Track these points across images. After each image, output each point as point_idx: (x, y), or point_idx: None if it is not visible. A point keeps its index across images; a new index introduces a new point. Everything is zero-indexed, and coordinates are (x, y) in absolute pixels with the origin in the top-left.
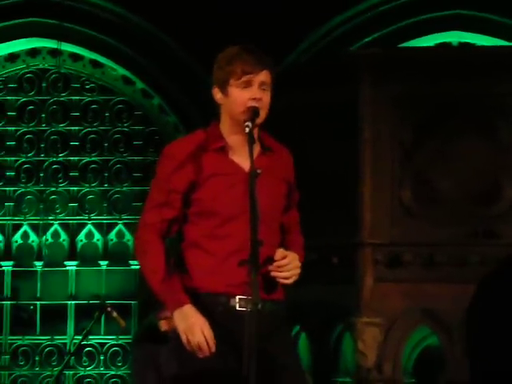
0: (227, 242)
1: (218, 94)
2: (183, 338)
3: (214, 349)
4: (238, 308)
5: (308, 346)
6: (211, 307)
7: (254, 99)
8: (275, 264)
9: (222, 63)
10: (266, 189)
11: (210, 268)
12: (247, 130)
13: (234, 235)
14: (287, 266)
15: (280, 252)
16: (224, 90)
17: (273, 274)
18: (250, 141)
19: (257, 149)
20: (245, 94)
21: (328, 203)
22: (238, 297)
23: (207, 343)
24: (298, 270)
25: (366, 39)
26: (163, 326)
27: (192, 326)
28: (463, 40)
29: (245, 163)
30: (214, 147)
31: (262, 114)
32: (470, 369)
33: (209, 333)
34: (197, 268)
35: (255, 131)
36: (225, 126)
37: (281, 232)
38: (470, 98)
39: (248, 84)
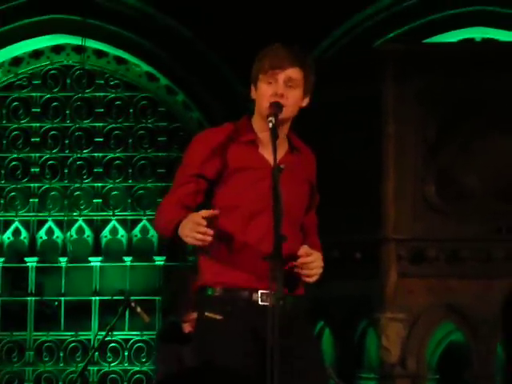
0: (250, 236)
1: (252, 90)
2: (183, 234)
3: (206, 214)
4: (260, 302)
5: (332, 342)
6: (233, 301)
7: (276, 95)
8: (300, 261)
9: (256, 59)
10: (290, 187)
11: (231, 262)
12: (270, 125)
13: (257, 230)
14: (312, 264)
15: (305, 249)
16: (255, 85)
17: (297, 270)
18: (273, 136)
19: (284, 147)
20: (269, 90)
21: (351, 199)
22: (260, 291)
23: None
24: (321, 270)
25: (389, 35)
26: (187, 328)
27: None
28: (486, 36)
29: (270, 158)
30: (245, 139)
31: (286, 111)
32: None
33: (197, 214)
34: (218, 261)
35: (283, 129)
36: (256, 122)
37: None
38: (494, 93)
39: (274, 79)
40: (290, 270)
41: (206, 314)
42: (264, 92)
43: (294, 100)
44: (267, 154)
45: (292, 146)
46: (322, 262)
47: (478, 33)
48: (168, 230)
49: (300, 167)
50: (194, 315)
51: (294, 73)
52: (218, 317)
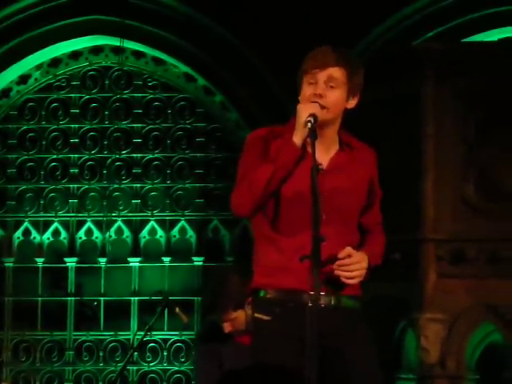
0: (296, 237)
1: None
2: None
3: None
4: (310, 304)
5: None
6: (282, 303)
7: (315, 95)
8: (337, 263)
9: (302, 62)
10: (342, 186)
11: (279, 264)
12: (309, 125)
13: (304, 231)
14: (350, 266)
15: (346, 250)
16: (300, 87)
17: (336, 272)
18: (312, 136)
19: (335, 146)
20: (309, 90)
21: (390, 199)
22: (310, 292)
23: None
24: (363, 271)
25: (428, 35)
26: (227, 327)
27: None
28: None
29: (321, 158)
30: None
31: (327, 112)
32: None
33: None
34: (267, 263)
35: (330, 129)
36: None
37: (360, 231)
38: None
39: (314, 79)
40: (330, 272)
41: (255, 314)
42: (305, 92)
43: (335, 100)
44: (317, 153)
45: (342, 143)
46: (365, 264)
47: None
48: (267, 180)
49: (354, 165)
50: (235, 314)
51: (335, 72)
52: (266, 317)
